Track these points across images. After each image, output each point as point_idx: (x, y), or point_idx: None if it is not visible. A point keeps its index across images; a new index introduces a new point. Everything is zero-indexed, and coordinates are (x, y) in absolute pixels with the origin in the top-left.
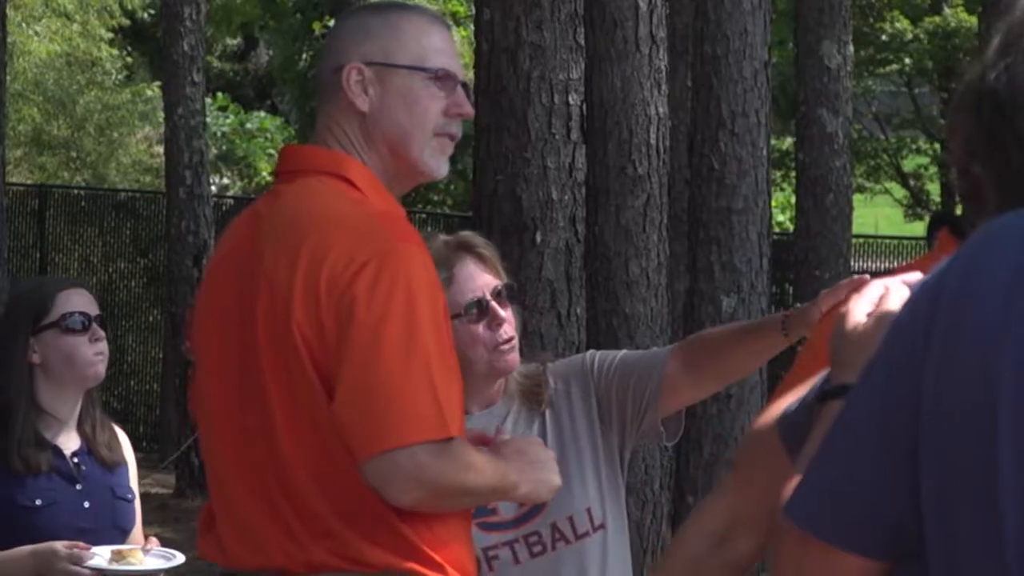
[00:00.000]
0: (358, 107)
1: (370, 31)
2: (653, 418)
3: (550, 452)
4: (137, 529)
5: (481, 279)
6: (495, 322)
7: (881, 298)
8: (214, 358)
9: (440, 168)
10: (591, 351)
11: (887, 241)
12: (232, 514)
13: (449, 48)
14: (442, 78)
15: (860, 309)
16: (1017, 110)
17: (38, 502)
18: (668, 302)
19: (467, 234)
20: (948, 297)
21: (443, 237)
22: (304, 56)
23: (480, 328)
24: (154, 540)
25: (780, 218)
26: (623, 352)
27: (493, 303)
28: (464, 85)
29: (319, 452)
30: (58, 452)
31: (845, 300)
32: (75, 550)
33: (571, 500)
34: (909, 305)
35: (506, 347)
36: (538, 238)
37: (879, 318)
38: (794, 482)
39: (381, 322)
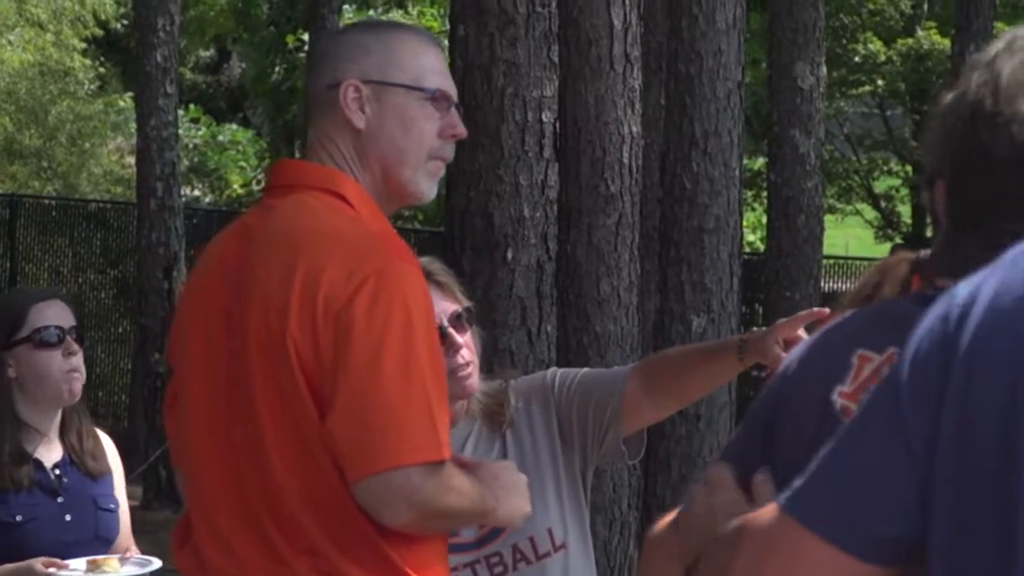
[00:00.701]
0: (354, 124)
1: (367, 49)
2: (615, 437)
3: (523, 477)
4: (124, 536)
5: (439, 306)
6: (452, 349)
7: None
8: (199, 370)
9: (430, 191)
10: (552, 369)
11: (857, 262)
12: (212, 527)
13: (443, 68)
14: (438, 99)
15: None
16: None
17: (19, 518)
18: (639, 321)
19: (424, 260)
20: (976, 317)
21: None
22: (277, 69)
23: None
24: (134, 548)
25: (751, 238)
26: (584, 370)
27: (450, 330)
28: (457, 106)
29: (307, 468)
30: (39, 465)
31: (804, 325)
32: (52, 568)
33: (532, 520)
34: (927, 329)
35: (463, 373)
36: (509, 255)
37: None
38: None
39: (380, 342)
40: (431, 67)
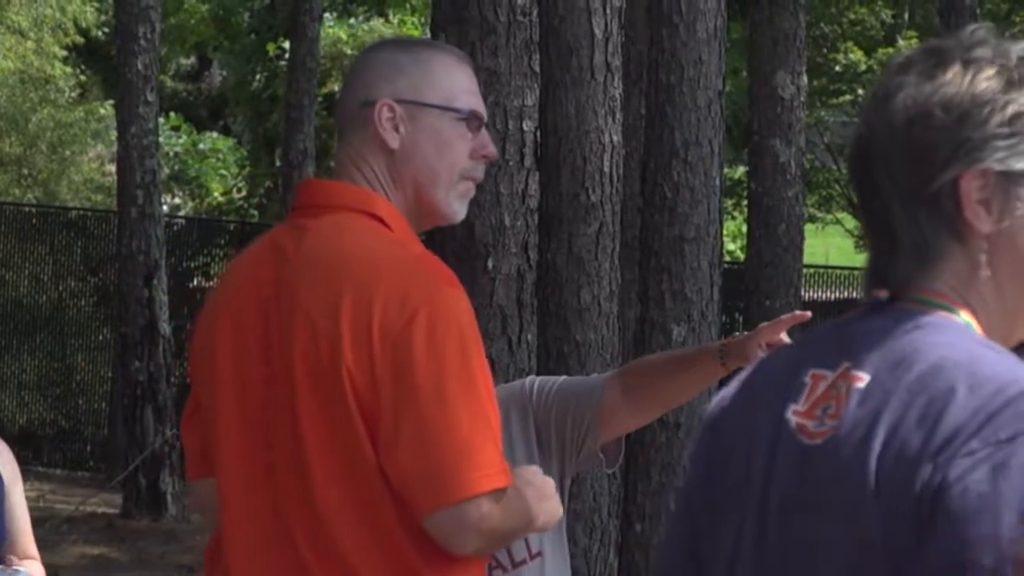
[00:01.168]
0: (388, 144)
1: (401, 68)
2: (592, 445)
3: (550, 480)
4: (19, 543)
5: None
6: None
7: None
8: (231, 392)
9: (461, 212)
10: (531, 376)
11: (838, 271)
12: (245, 550)
13: (475, 88)
14: (470, 119)
15: None
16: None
17: None
18: (619, 330)
19: None
20: None
21: None
22: (258, 77)
23: None
24: (12, 558)
25: (731, 247)
26: (563, 378)
27: None
28: (487, 126)
29: (353, 496)
30: None
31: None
32: None
33: None
34: None
35: None
36: (490, 264)
37: None
38: None
39: (441, 371)
40: (464, 87)
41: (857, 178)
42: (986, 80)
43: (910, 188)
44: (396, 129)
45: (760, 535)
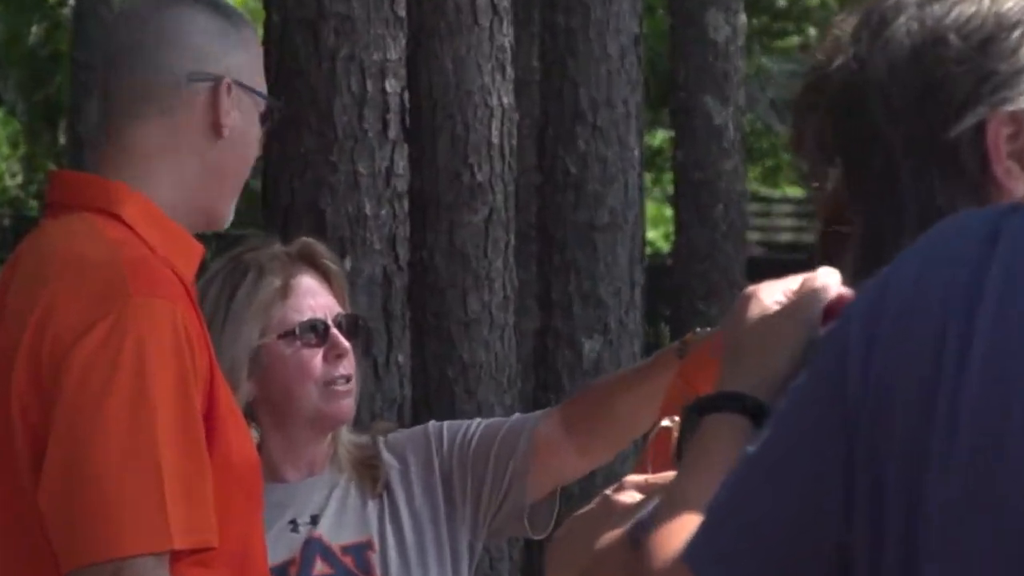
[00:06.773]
0: (221, 129)
1: (233, 42)
2: (518, 497)
3: None
4: None
5: (324, 298)
6: (334, 352)
7: (799, 288)
8: None
9: (230, 217)
10: (434, 422)
11: (786, 259)
12: None
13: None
14: (267, 113)
15: (769, 295)
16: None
17: None
18: (516, 346)
19: (310, 242)
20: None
21: (280, 246)
22: (34, 29)
23: (315, 357)
24: None
25: (652, 235)
26: (484, 420)
27: (334, 330)
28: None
29: (18, 550)
30: None
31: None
32: None
33: None
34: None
35: (343, 386)
36: (348, 265)
37: (791, 312)
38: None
39: (100, 398)
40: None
41: (844, 131)
42: None
43: (919, 140)
44: (232, 112)
45: None
